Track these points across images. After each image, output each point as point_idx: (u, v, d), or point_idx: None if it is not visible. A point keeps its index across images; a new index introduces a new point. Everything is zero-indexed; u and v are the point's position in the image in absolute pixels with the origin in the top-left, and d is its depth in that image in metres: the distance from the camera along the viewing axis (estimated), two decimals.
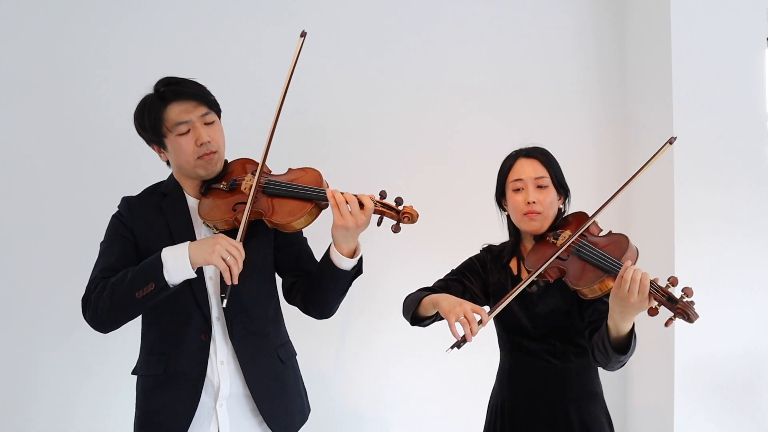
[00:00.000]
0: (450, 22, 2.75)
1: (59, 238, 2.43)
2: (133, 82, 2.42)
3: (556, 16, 2.82)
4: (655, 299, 1.42)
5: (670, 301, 1.42)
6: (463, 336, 1.47)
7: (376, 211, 1.53)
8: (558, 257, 1.59)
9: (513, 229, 1.79)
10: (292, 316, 1.81)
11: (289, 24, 2.62)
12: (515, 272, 1.76)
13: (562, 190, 1.73)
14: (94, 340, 2.23)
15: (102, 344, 2.28)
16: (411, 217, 1.51)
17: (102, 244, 1.66)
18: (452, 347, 1.50)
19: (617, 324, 1.47)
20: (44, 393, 2.43)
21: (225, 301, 1.51)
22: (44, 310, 2.41)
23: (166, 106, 1.57)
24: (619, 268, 1.46)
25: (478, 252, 1.86)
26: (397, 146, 2.71)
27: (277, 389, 1.63)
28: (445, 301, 1.55)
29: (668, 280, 1.45)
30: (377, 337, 2.67)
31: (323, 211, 1.61)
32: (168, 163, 1.71)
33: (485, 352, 2.03)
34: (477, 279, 1.79)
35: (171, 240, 1.58)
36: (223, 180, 1.65)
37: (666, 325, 1.43)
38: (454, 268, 1.85)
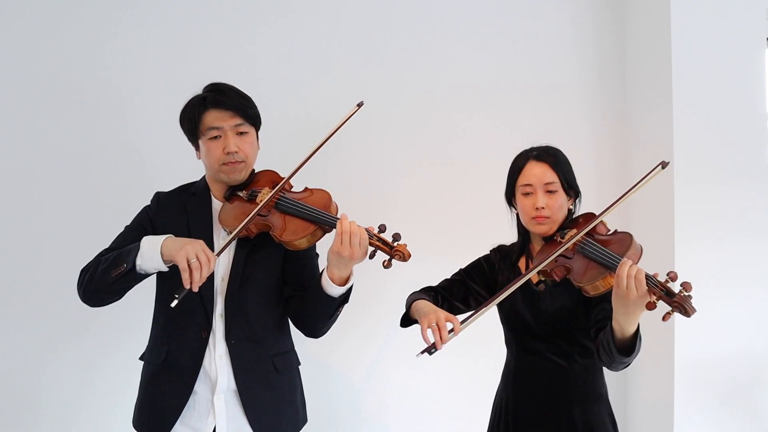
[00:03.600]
0: (450, 23, 2.75)
1: (64, 239, 2.41)
2: (139, 82, 2.46)
3: (556, 16, 2.81)
4: (653, 294, 1.42)
5: (668, 295, 1.43)
6: (433, 343, 1.51)
7: (370, 244, 1.58)
8: (563, 255, 1.59)
9: (522, 228, 1.79)
10: None
11: (287, 21, 2.62)
12: (524, 271, 1.75)
13: (572, 191, 1.73)
14: (103, 327, 2.33)
15: (112, 331, 2.36)
16: (402, 255, 1.56)
17: (125, 227, 1.75)
18: (422, 352, 1.54)
19: (621, 325, 1.48)
20: (54, 377, 2.43)
21: (175, 301, 1.52)
22: (54, 303, 2.40)
23: (205, 110, 1.66)
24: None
25: (488, 252, 1.86)
26: (398, 147, 2.70)
27: (268, 396, 1.67)
28: (424, 307, 1.61)
29: (668, 275, 1.45)
30: (380, 337, 2.66)
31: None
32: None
33: (489, 352, 2.03)
34: (482, 280, 1.80)
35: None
36: (246, 189, 1.72)
37: (664, 319, 1.43)
38: (462, 267, 1.84)
